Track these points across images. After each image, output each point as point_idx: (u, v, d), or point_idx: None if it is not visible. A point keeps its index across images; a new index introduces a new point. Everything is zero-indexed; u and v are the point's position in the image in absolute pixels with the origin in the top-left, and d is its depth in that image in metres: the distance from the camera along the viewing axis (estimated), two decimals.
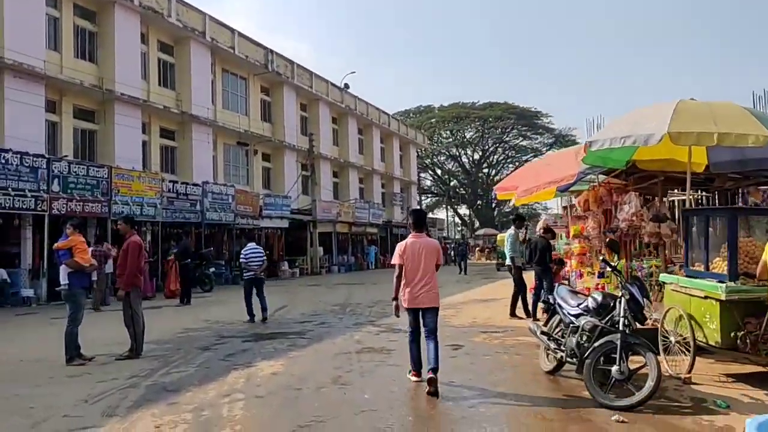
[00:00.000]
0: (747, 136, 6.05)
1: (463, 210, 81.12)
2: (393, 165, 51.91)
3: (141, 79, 26.18)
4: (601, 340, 6.10)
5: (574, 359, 6.50)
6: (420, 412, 5.94)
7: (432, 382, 6.35)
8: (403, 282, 6.84)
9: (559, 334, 7.12)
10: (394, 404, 6.10)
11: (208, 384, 7.14)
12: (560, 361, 6.97)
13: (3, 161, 17.42)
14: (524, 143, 75.38)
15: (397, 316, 7.06)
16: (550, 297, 11.38)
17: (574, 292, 7.31)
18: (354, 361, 8.31)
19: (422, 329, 6.81)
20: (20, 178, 17.87)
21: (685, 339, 6.62)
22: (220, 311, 15.01)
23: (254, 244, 13.75)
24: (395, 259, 6.94)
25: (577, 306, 6.77)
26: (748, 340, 6.04)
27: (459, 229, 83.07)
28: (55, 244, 9.01)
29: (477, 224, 75.96)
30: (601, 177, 10.13)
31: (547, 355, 7.35)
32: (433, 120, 72.96)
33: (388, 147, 51.74)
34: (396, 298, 6.88)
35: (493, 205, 77.94)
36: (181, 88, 28.68)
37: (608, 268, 6.96)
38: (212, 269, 23.60)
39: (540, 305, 11.83)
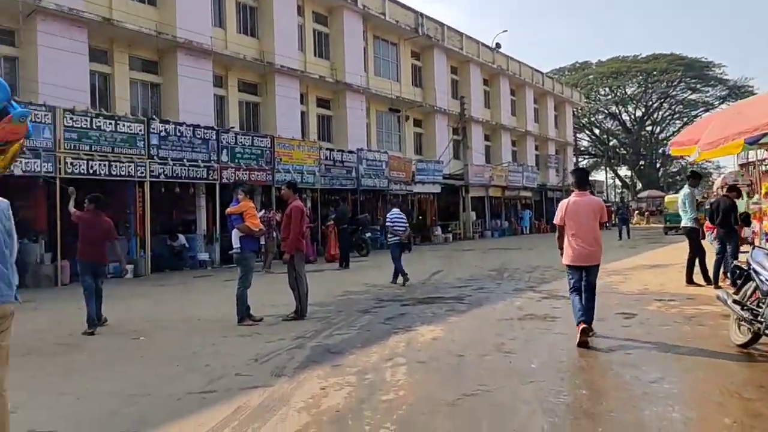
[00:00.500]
0: None
1: (624, 171, 76.70)
2: (547, 126, 49.95)
3: (298, 50, 27.01)
4: None
5: None
6: (594, 385, 5.49)
7: (584, 332, 6.72)
8: (566, 240, 7.08)
9: (755, 303, 6.29)
10: (564, 375, 5.71)
11: (370, 347, 7.14)
12: (756, 334, 6.16)
13: (178, 134, 18.77)
14: (693, 97, 69.42)
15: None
16: (736, 262, 10.31)
17: None
18: (517, 328, 7.96)
19: (582, 286, 7.05)
20: (193, 149, 19.19)
21: None
22: (377, 275, 15.21)
23: (398, 209, 14.10)
24: (556, 219, 7.24)
25: None
26: None
27: (619, 191, 78.73)
28: (228, 209, 9.43)
29: (639, 186, 71.52)
30: None
31: (739, 326, 6.55)
32: (590, 76, 69.26)
33: (542, 107, 49.82)
34: (561, 248, 7.20)
35: (658, 165, 72.89)
36: (335, 57, 29.27)
37: None
38: (368, 234, 24.10)
39: (722, 271, 10.73)
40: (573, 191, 7.28)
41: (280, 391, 5.46)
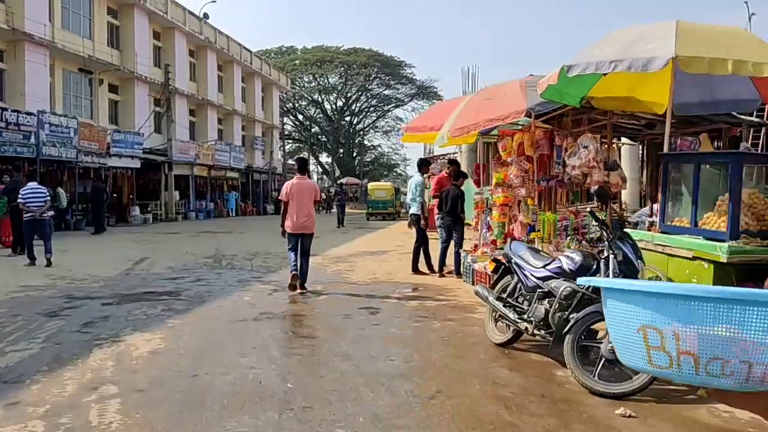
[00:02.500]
0: (763, 66, 5.06)
1: (324, 158, 79.63)
2: (254, 107, 48.86)
3: None
4: (586, 311, 4.96)
5: (545, 332, 5.37)
6: (372, 407, 4.47)
7: (294, 277, 9.00)
8: (288, 213, 9.07)
9: (517, 299, 5.95)
10: (330, 397, 4.60)
11: (63, 370, 5.23)
12: (518, 332, 5.83)
13: None
14: (387, 92, 74.61)
15: (284, 237, 9.26)
16: (462, 252, 10.37)
17: (535, 250, 6.14)
18: (253, 332, 6.66)
19: (299, 250, 9.13)
20: None
21: None
22: (67, 262, 12.53)
23: (35, 183, 13.02)
24: (282, 196, 9.31)
25: (544, 267, 5.60)
26: None
27: (319, 177, 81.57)
28: None
29: (338, 173, 74.81)
30: (522, 120, 9.01)
31: (495, 322, 6.19)
32: (296, 62, 69.98)
33: (249, 87, 48.53)
34: (282, 225, 9.21)
35: (355, 153, 77.07)
36: (12, 0, 24.23)
37: (594, 222, 5.86)
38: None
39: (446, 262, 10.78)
40: (296, 175, 9.36)
41: None
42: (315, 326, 7.10)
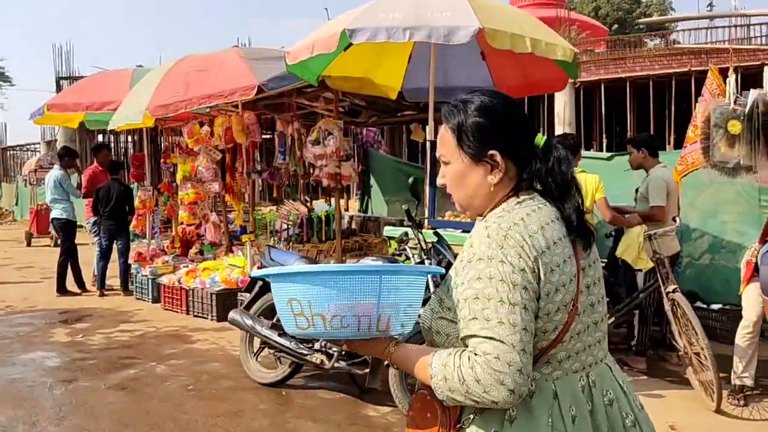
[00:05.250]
0: (556, 47, 4.79)
1: None
2: None
3: None
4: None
5: (348, 363, 4.24)
6: None
7: None
8: None
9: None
10: None
11: None
12: (297, 366, 4.57)
13: None
14: None
15: None
16: (132, 263, 8.39)
17: (309, 260, 4.91)
18: None
19: None
20: None
21: None
22: None
23: None
24: None
25: None
26: None
27: None
28: None
29: None
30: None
31: (256, 355, 4.79)
32: None
33: None
34: None
35: None
36: None
37: (408, 221, 4.74)
38: None
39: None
40: None
41: None
42: None
